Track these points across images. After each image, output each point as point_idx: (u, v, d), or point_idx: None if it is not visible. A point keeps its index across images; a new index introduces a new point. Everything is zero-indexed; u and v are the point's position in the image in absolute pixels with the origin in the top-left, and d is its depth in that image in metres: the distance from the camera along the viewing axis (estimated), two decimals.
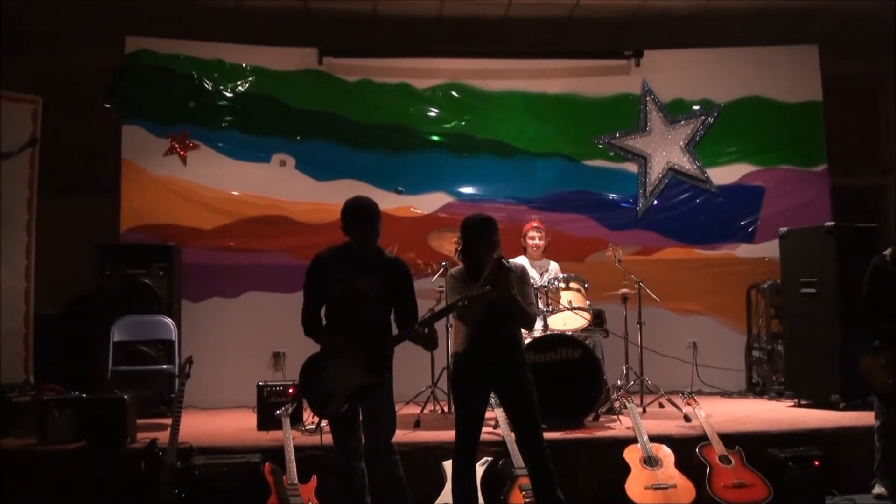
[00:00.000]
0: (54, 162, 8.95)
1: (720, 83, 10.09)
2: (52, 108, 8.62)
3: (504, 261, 5.01)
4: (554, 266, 8.13)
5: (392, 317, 5.19)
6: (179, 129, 9.41)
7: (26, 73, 9.51)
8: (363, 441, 5.19)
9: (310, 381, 5.12)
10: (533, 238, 8.02)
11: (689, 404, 6.89)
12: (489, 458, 6.01)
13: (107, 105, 9.38)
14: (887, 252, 6.24)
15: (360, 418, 5.20)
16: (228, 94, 9.57)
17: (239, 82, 9.60)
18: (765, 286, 9.33)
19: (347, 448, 5.17)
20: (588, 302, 7.44)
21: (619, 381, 8.00)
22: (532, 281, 6.64)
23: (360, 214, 5.13)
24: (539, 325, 7.20)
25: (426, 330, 5.01)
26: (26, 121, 8.38)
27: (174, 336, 7.84)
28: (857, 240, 7.93)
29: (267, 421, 6.99)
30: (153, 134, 9.36)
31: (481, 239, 5.14)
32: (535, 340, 6.99)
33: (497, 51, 10.16)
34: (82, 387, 6.87)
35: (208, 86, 9.53)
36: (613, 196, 9.99)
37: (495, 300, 4.98)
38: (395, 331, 5.18)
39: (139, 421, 6.75)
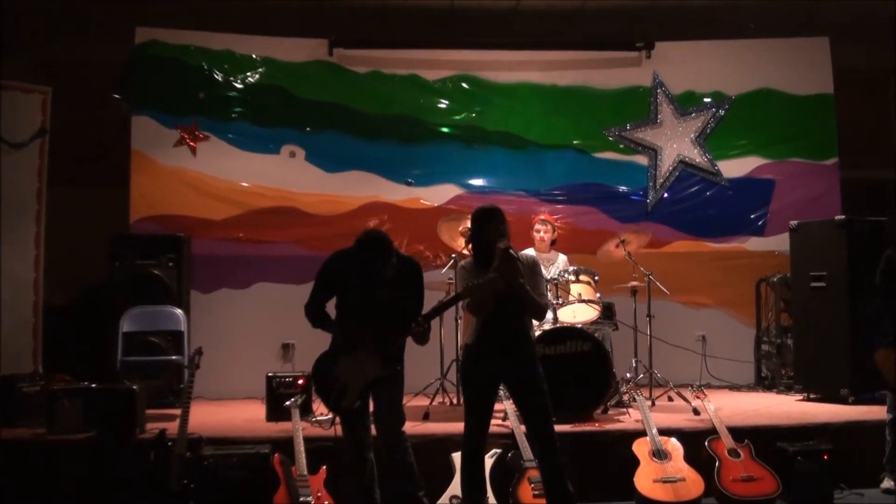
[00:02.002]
0: (64, 152, 8.96)
1: (731, 75, 10.06)
2: (62, 99, 8.63)
3: (511, 251, 4.99)
4: (562, 258, 8.13)
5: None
6: (189, 120, 9.42)
7: (36, 63, 9.53)
8: (374, 432, 5.22)
9: (323, 377, 5.16)
10: (538, 231, 8.03)
11: (698, 397, 6.89)
12: (498, 451, 6.00)
13: (117, 96, 9.39)
14: None
15: (370, 410, 5.23)
16: (238, 85, 9.58)
17: (249, 73, 9.60)
18: (774, 279, 9.30)
19: (357, 439, 5.21)
20: (598, 294, 7.44)
21: (628, 374, 7.99)
22: None
23: (375, 254, 5.08)
24: (549, 317, 7.21)
25: (419, 328, 5.00)
26: (36, 111, 8.40)
27: (184, 327, 7.85)
28: (867, 233, 7.89)
29: (276, 412, 7.00)
30: (163, 125, 9.37)
31: (487, 228, 5.14)
32: (545, 333, 6.98)
33: (508, 42, 10.12)
34: (92, 377, 6.87)
35: (218, 77, 9.53)
36: (623, 188, 9.97)
37: (504, 290, 4.97)
38: None
39: (148, 411, 6.77)
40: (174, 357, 7.81)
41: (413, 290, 5.23)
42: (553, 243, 8.15)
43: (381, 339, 5.06)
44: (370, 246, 5.10)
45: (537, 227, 8.04)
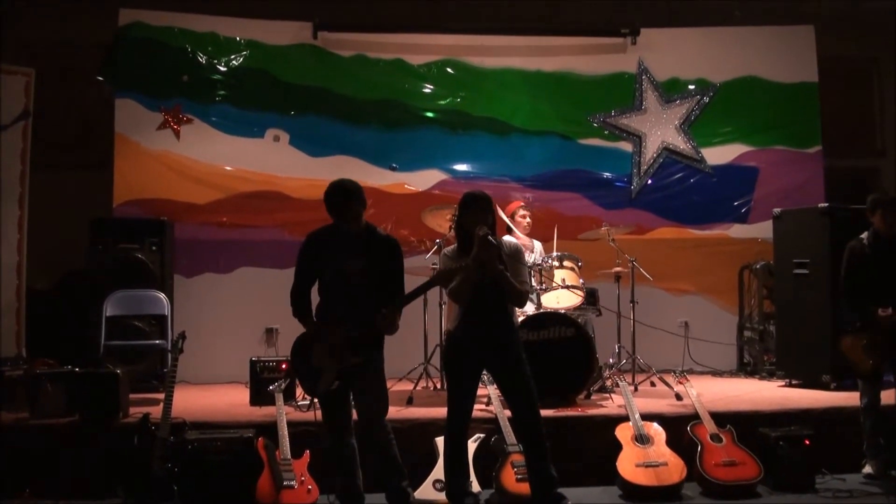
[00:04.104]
0: (47, 135, 8.90)
1: (716, 63, 10.07)
2: (44, 81, 8.56)
3: (490, 238, 5.01)
4: (539, 245, 8.14)
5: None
6: (173, 102, 9.37)
7: (19, 45, 9.43)
8: (356, 419, 5.22)
9: (299, 360, 5.16)
10: (525, 217, 8.01)
11: (680, 383, 6.91)
12: (481, 435, 6.02)
13: (100, 78, 9.33)
14: (864, 235, 6.29)
15: (351, 396, 5.22)
16: (222, 68, 9.52)
17: (233, 56, 9.55)
18: (757, 266, 9.34)
19: (337, 425, 5.20)
20: (581, 280, 7.45)
21: (611, 360, 8.02)
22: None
23: (337, 196, 5.11)
24: (532, 303, 7.22)
25: (384, 319, 4.98)
26: (19, 93, 8.33)
27: (167, 311, 7.81)
28: (850, 221, 7.88)
29: (260, 396, 6.99)
30: (146, 107, 9.31)
31: (467, 215, 5.16)
32: (528, 318, 6.99)
33: (493, 27, 10.09)
34: (75, 361, 6.84)
35: (202, 59, 9.47)
36: (608, 175, 9.98)
37: (479, 277, 4.99)
38: None
39: (132, 396, 6.74)
40: (157, 341, 7.76)
41: (390, 266, 5.17)
42: None
43: (356, 325, 5.02)
44: (337, 191, 5.10)
45: (522, 212, 8.02)
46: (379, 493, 5.32)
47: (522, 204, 8.11)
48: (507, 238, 5.60)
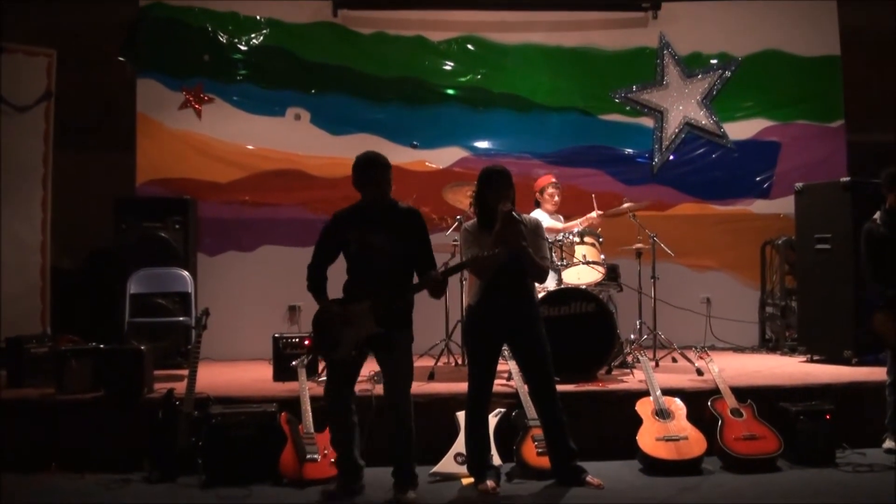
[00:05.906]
0: (69, 115, 8.97)
1: (738, 36, 9.99)
2: (66, 62, 8.62)
3: (514, 214, 5.04)
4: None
5: (413, 267, 5.24)
6: (194, 82, 9.43)
7: (40, 26, 9.49)
8: (384, 391, 5.26)
9: (321, 327, 5.20)
10: (553, 195, 7.99)
11: (701, 358, 6.90)
12: (502, 410, 6.04)
13: (121, 58, 9.39)
14: (876, 215, 6.23)
15: (360, 372, 5.27)
16: (243, 47, 9.56)
17: (253, 35, 9.58)
18: (780, 242, 9.30)
19: (341, 393, 5.26)
20: (602, 256, 7.45)
21: (632, 336, 8.03)
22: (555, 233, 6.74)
23: (370, 166, 5.20)
24: (553, 278, 7.23)
25: (438, 280, 5.04)
26: (41, 74, 8.41)
27: (190, 288, 7.88)
28: (873, 196, 7.80)
29: (283, 372, 7.05)
30: (168, 87, 9.38)
31: (489, 191, 5.19)
32: (550, 294, 7.01)
33: (513, 2, 10.02)
34: (99, 339, 6.89)
35: (223, 39, 9.52)
36: (629, 151, 9.95)
37: (507, 252, 5.03)
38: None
39: (156, 372, 6.79)
40: (181, 318, 7.82)
41: (417, 236, 5.22)
42: None
43: (381, 298, 5.06)
44: (369, 161, 5.23)
45: (550, 189, 7.99)
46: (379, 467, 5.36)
47: (553, 181, 8.08)
48: (529, 214, 5.63)
